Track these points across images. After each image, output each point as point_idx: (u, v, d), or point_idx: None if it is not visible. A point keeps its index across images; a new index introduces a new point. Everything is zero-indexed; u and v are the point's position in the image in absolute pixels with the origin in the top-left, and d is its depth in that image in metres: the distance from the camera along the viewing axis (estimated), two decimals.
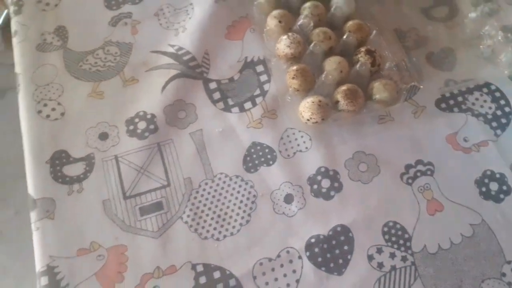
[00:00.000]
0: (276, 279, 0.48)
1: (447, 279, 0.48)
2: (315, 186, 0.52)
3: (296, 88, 0.53)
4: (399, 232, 0.50)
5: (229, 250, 0.49)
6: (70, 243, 0.49)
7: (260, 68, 0.59)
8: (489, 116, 0.56)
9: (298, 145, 0.54)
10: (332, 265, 0.49)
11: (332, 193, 0.52)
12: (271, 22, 0.57)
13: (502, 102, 0.57)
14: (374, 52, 0.54)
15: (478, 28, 0.60)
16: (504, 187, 0.52)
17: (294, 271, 0.48)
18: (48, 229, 0.50)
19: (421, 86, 0.54)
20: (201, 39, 0.59)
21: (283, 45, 0.55)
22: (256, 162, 0.53)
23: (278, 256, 0.49)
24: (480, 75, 0.58)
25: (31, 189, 0.52)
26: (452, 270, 0.49)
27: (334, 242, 0.49)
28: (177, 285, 0.48)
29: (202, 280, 0.48)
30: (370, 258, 0.49)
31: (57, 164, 0.53)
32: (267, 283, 0.48)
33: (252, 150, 0.54)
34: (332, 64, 0.54)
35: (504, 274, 0.48)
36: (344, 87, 0.52)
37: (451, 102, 0.57)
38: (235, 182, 0.52)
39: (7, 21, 1.70)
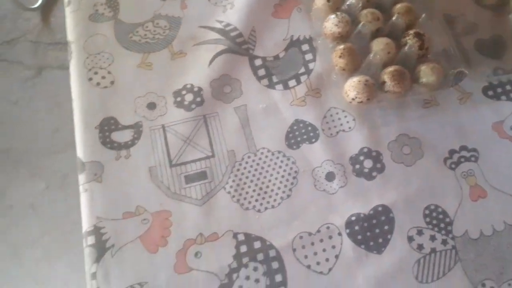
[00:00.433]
0: (315, 253, 0.49)
1: (488, 266, 0.48)
2: (357, 166, 0.52)
3: (342, 67, 0.53)
4: (440, 216, 0.50)
5: (269, 222, 0.50)
6: (117, 206, 0.51)
7: (305, 47, 0.59)
8: None
9: (341, 124, 0.54)
10: (371, 243, 0.49)
11: (374, 173, 0.52)
12: (319, 1, 0.57)
13: None
14: (423, 36, 0.54)
15: None
16: None
17: (333, 247, 0.49)
18: (96, 192, 0.52)
19: (467, 72, 0.53)
20: (249, 16, 0.60)
21: (331, 23, 0.55)
22: (298, 139, 0.54)
23: (318, 231, 0.49)
24: None
25: (80, 153, 0.54)
26: (494, 257, 0.48)
27: (374, 221, 0.50)
28: (218, 252, 0.49)
29: (243, 249, 0.49)
30: (410, 239, 0.49)
31: (106, 130, 0.54)
32: (306, 256, 0.49)
33: (295, 127, 0.54)
34: (379, 45, 0.54)
35: None
36: (391, 68, 0.52)
37: (499, 90, 0.56)
38: (277, 157, 0.53)
39: (45, 1, 1.74)
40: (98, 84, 0.57)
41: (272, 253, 0.49)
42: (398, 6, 0.57)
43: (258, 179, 0.52)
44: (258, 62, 0.58)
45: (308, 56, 0.58)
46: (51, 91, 1.66)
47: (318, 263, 0.48)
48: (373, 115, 0.55)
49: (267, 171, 0.52)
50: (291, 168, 0.52)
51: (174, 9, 0.62)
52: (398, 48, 0.54)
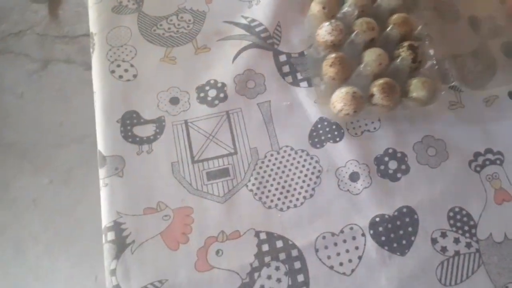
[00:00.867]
0: (338, 254, 0.48)
1: None
2: (382, 167, 0.52)
3: (332, 77, 0.52)
4: (465, 219, 0.50)
5: (292, 221, 0.50)
6: (138, 201, 0.50)
7: None
8: None
9: (366, 124, 0.54)
10: (395, 245, 0.48)
11: (399, 175, 0.51)
12: (315, 7, 0.56)
13: None
14: (416, 48, 0.52)
15: None
16: None
17: (356, 248, 0.48)
18: (117, 186, 0.51)
19: (462, 89, 0.52)
20: (275, 12, 0.59)
21: (324, 31, 0.53)
22: (322, 138, 0.53)
23: (341, 231, 0.49)
24: None
25: (101, 146, 0.53)
26: None
27: (398, 222, 0.49)
28: (240, 250, 0.48)
29: (265, 247, 0.48)
30: (434, 241, 0.49)
31: (128, 124, 0.54)
32: (329, 257, 0.48)
33: (319, 126, 0.54)
34: (372, 55, 0.52)
35: None
36: (381, 81, 0.51)
37: None
38: (300, 156, 0.53)
39: None
40: (120, 77, 0.56)
41: (294, 252, 0.48)
42: (395, 16, 0.55)
43: (281, 177, 0.51)
44: (282, 58, 0.58)
45: None
46: (56, 85, 1.65)
47: (341, 264, 0.48)
48: (398, 117, 0.54)
49: (289, 170, 0.52)
50: (314, 167, 0.52)
51: (199, 3, 0.61)
52: (391, 59, 0.53)
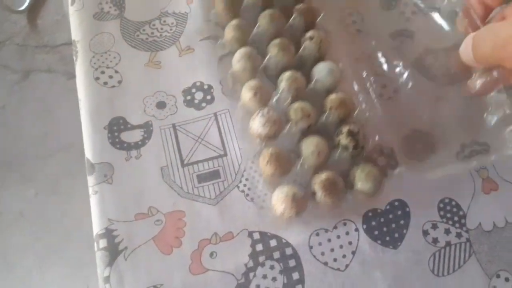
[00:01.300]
0: (332, 250, 0.48)
1: (502, 257, 0.48)
2: None
3: (269, 174, 0.48)
4: (454, 209, 0.50)
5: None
6: (128, 207, 0.50)
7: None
8: None
9: None
10: (388, 238, 0.49)
11: (387, 170, 0.52)
12: (246, 94, 0.50)
13: None
14: (357, 134, 0.48)
15: None
16: None
17: (350, 243, 0.49)
18: (107, 193, 0.50)
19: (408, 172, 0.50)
20: None
21: (257, 123, 0.48)
22: None
23: (335, 227, 0.49)
24: None
25: (89, 154, 0.52)
26: (507, 248, 0.49)
27: (391, 216, 0.50)
28: (234, 251, 0.48)
29: (259, 247, 0.48)
30: (425, 233, 0.49)
31: (115, 130, 0.53)
32: (323, 253, 0.48)
33: None
34: (309, 147, 0.48)
35: None
36: (323, 176, 0.46)
37: None
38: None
39: (32, 3, 1.71)
40: (105, 83, 0.56)
41: (288, 251, 0.48)
42: (331, 98, 0.50)
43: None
44: None
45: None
46: (39, 95, 1.63)
47: (335, 260, 0.48)
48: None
49: None
50: None
51: (180, 5, 0.61)
52: (332, 145, 0.49)
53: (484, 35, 0.40)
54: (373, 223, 0.49)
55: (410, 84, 0.53)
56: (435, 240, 0.49)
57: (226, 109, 0.55)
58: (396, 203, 0.50)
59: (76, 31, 0.59)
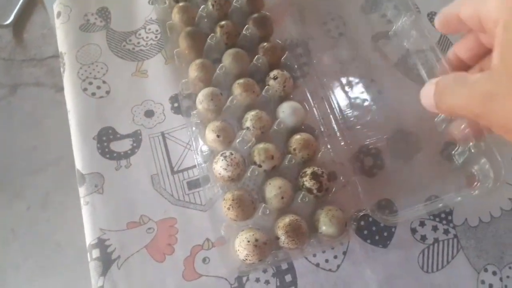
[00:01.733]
0: (323, 251, 0.49)
1: (489, 251, 0.50)
2: (358, 164, 0.53)
3: (233, 219, 0.47)
4: (441, 206, 0.51)
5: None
6: (120, 216, 0.50)
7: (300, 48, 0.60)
8: None
9: None
10: (377, 237, 0.50)
11: (374, 170, 0.53)
12: (209, 135, 0.49)
13: None
14: (321, 176, 0.47)
15: None
16: None
17: (341, 244, 0.49)
18: (98, 203, 0.51)
19: (374, 215, 0.48)
20: None
21: (219, 167, 0.47)
22: None
23: None
24: None
25: (79, 165, 0.53)
26: (493, 242, 0.50)
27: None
28: (227, 256, 0.48)
29: None
30: (414, 231, 0.50)
31: (104, 140, 0.54)
32: (314, 255, 0.49)
33: None
34: (272, 190, 0.47)
35: None
36: (286, 221, 0.45)
37: None
38: None
39: (18, 17, 1.71)
40: (93, 94, 0.56)
41: (281, 254, 0.49)
42: (295, 138, 0.50)
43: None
44: None
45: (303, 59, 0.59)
46: (27, 109, 1.62)
47: (326, 261, 0.49)
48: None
49: None
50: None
51: (163, 11, 0.61)
52: (296, 187, 0.49)
53: (452, 85, 0.34)
54: (362, 222, 0.50)
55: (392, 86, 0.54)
56: (423, 237, 0.50)
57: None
58: (384, 203, 0.51)
59: (62, 43, 0.59)
